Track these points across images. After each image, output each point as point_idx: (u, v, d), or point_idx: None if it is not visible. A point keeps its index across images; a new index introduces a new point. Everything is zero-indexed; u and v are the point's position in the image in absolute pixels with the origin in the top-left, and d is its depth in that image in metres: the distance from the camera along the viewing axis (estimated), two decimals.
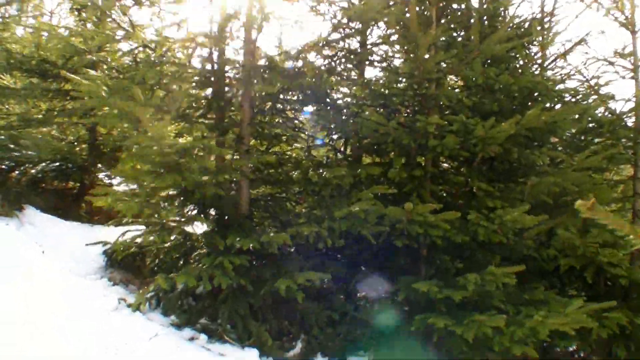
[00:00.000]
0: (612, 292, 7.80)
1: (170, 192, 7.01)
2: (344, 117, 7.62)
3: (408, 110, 7.54)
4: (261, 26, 7.06)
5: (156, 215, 6.66)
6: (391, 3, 7.69)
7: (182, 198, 6.96)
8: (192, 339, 6.28)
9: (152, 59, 7.47)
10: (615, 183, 9.41)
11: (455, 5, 8.03)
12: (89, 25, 10.32)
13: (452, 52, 7.07)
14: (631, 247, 7.92)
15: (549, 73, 9.28)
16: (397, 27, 7.40)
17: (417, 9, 7.54)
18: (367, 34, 8.22)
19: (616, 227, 1.76)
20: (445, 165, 8.00)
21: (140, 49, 7.99)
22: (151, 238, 6.90)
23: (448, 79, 7.90)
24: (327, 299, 7.29)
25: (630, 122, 8.83)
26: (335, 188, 6.92)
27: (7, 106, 10.27)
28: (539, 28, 8.92)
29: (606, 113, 8.83)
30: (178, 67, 7.35)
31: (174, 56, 7.73)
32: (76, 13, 10.67)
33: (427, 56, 6.93)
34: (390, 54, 8.28)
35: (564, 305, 6.22)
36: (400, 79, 7.50)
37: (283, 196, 8.01)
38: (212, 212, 7.40)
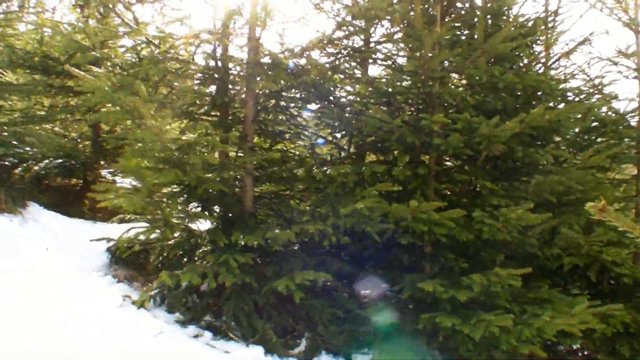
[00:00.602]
0: (615, 291, 7.80)
1: (174, 189, 7.01)
2: (347, 115, 7.61)
3: (412, 109, 7.53)
4: (265, 23, 7.06)
5: (159, 212, 6.64)
6: (395, 1, 7.69)
7: (185, 195, 6.97)
8: (196, 336, 6.29)
9: (156, 55, 7.46)
10: (619, 182, 9.41)
11: (459, 4, 8.03)
12: (91, 22, 10.32)
13: (456, 51, 7.07)
14: (635, 246, 7.94)
15: (553, 72, 9.27)
16: (402, 26, 7.40)
17: (422, 7, 7.54)
18: (371, 32, 8.22)
19: (627, 229, 1.76)
20: (450, 163, 7.99)
21: (144, 45, 7.97)
22: (154, 235, 6.89)
23: (452, 77, 7.89)
24: (332, 296, 7.29)
25: (633, 121, 8.86)
26: (340, 186, 6.91)
27: (9, 102, 10.26)
28: (542, 27, 8.92)
29: (610, 112, 8.82)
30: (181, 64, 7.35)
31: (178, 53, 7.72)
32: (78, 10, 10.66)
33: (431, 54, 6.93)
34: (394, 52, 8.28)
35: (569, 304, 6.23)
36: (404, 77, 7.49)
37: (287, 194, 8.01)
38: (216, 209, 7.40)
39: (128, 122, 6.86)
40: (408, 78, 7.39)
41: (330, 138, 8.42)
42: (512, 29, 7.51)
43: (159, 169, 6.35)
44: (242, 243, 6.52)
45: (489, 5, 8.10)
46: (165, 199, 6.73)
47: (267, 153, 7.38)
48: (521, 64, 8.13)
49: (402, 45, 7.97)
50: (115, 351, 5.23)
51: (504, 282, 6.12)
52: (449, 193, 7.68)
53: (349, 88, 8.05)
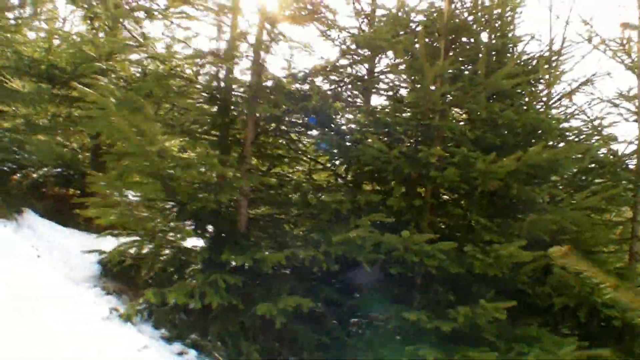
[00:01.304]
0: (605, 333, 7.76)
1: (165, 205, 7.04)
2: (347, 143, 7.64)
3: (411, 140, 7.57)
4: (269, 47, 7.13)
5: (150, 226, 6.68)
6: (401, 33, 7.76)
7: (176, 212, 6.98)
8: (181, 353, 6.27)
9: (161, 71, 7.52)
10: (614, 224, 9.42)
11: (464, 39, 8.09)
12: (101, 35, 10.41)
13: (457, 85, 7.12)
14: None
15: (554, 111, 9.31)
16: (405, 57, 7.45)
17: (427, 40, 7.61)
18: (375, 62, 8.29)
19: (591, 275, 1.78)
20: (446, 196, 8.00)
21: (150, 60, 8.04)
22: (145, 250, 6.91)
23: (453, 111, 7.94)
24: (320, 322, 7.27)
25: (631, 164, 8.88)
26: (334, 213, 6.93)
27: (13, 108, 10.30)
28: (546, 66, 8.97)
29: (608, 154, 8.86)
30: (185, 82, 7.41)
31: (183, 71, 7.79)
32: (89, 22, 10.75)
33: (433, 87, 6.98)
34: (396, 83, 8.33)
35: (557, 344, 6.21)
36: (405, 108, 7.54)
37: (282, 217, 8.01)
38: (210, 228, 7.41)
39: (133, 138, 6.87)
40: (409, 109, 7.44)
41: (328, 165, 8.45)
42: (516, 66, 7.58)
43: (145, 183, 6.41)
44: (233, 263, 6.53)
45: (494, 41, 8.18)
46: (152, 215, 6.76)
47: (264, 176, 7.42)
48: (522, 102, 8.18)
49: (404, 76, 8.02)
50: None
51: (489, 315, 6.11)
52: (443, 226, 7.68)
53: (349, 116, 8.09)
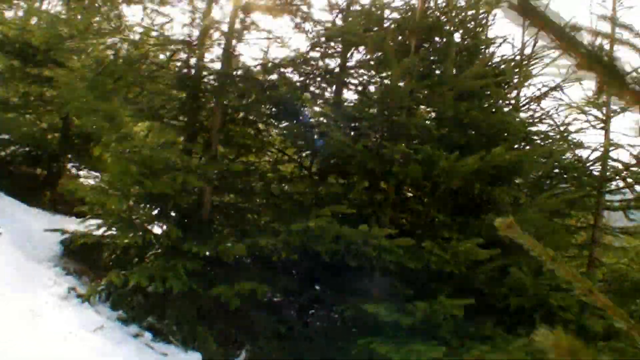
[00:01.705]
0: None
1: (131, 189, 7.05)
2: (314, 135, 7.69)
3: (377, 135, 7.62)
4: (242, 36, 7.15)
5: (116, 208, 6.70)
6: (375, 29, 7.82)
7: (140, 194, 7.00)
8: (137, 335, 6.30)
9: (133, 56, 7.53)
10: (576, 229, 9.53)
11: (437, 38, 8.16)
12: (78, 18, 10.34)
13: (424, 82, 7.19)
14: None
15: (523, 115, 9.40)
16: (375, 53, 7.51)
17: (399, 38, 7.68)
18: (348, 56, 8.32)
19: (538, 255, 1.80)
20: (409, 193, 8.08)
21: (123, 44, 8.03)
22: (109, 232, 6.92)
23: (420, 108, 8.01)
24: (278, 311, 7.33)
25: (596, 171, 8.99)
26: (297, 203, 6.98)
27: None
28: (516, 70, 9.08)
29: (573, 160, 8.97)
30: (157, 67, 7.42)
31: (156, 56, 7.80)
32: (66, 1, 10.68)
33: (401, 84, 7.04)
34: (367, 78, 8.38)
35: (510, 343, 6.31)
36: (372, 103, 7.60)
37: (245, 206, 8.04)
38: (173, 213, 7.42)
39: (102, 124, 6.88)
40: (376, 105, 7.50)
41: (295, 157, 8.49)
42: (485, 67, 7.67)
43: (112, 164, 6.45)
44: (195, 250, 6.56)
45: (465, 42, 8.27)
46: (118, 197, 6.78)
47: (230, 164, 7.44)
48: (489, 103, 8.26)
49: (373, 72, 8.08)
50: (49, 340, 5.25)
51: (447, 312, 6.19)
52: (404, 222, 7.76)
53: (317, 109, 8.13)
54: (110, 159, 6.94)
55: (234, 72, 7.25)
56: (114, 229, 7.16)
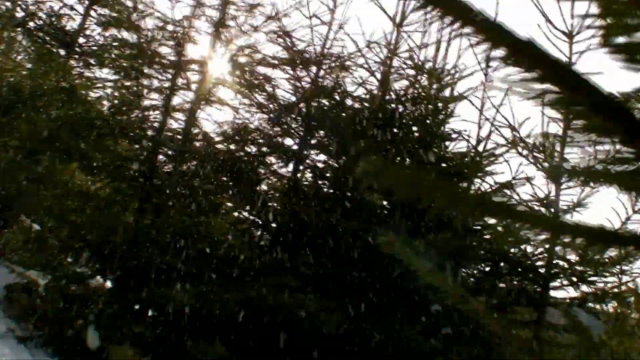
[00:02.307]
0: None
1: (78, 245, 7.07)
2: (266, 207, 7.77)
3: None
4: (201, 107, 7.36)
5: (54, 260, 6.73)
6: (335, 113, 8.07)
7: (84, 250, 7.00)
8: None
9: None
10: (521, 325, 9.57)
11: (395, 130, 8.39)
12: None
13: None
14: None
15: None
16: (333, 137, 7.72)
17: (358, 125, 7.92)
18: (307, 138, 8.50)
19: (409, 262, 1.79)
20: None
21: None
22: (50, 283, 6.93)
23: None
24: None
25: (541, 268, 9.12)
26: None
27: None
28: (470, 164, 9.33)
29: (519, 254, 9.13)
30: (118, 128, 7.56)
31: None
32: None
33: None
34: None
35: None
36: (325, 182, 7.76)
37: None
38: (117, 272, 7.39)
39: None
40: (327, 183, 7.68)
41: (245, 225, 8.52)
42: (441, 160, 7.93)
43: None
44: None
45: (428, 139, 8.54)
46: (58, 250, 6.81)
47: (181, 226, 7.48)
48: None
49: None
50: None
51: None
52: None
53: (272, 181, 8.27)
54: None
55: (194, 142, 7.40)
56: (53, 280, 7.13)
